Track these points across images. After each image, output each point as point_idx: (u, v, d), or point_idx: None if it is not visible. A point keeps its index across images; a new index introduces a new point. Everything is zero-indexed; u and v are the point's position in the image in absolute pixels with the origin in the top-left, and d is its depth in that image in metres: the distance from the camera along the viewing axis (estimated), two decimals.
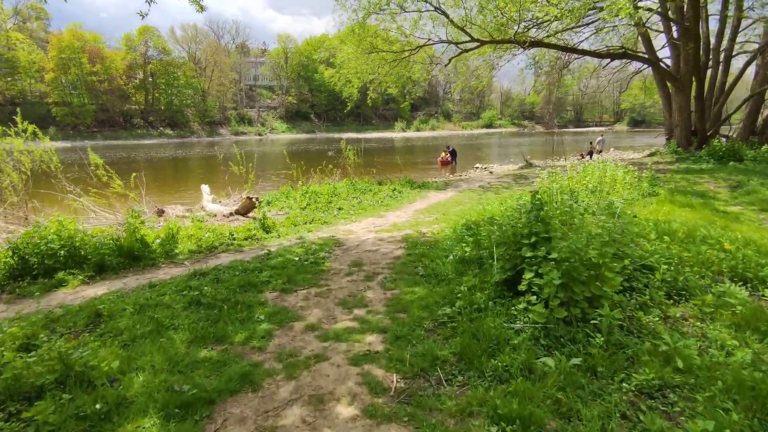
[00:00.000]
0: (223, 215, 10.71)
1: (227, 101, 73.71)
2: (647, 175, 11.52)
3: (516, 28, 17.86)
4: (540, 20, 16.24)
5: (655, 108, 79.76)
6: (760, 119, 18.81)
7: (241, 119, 74.21)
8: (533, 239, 4.26)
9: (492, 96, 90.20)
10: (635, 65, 24.49)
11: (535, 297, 3.79)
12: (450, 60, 19.11)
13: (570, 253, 3.82)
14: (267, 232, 8.69)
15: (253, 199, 10.38)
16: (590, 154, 26.84)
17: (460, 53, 18.50)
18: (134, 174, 10.66)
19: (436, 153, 33.83)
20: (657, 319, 3.79)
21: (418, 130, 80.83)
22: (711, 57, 18.48)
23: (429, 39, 17.40)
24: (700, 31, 17.99)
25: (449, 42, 17.39)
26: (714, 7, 18.97)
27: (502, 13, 14.50)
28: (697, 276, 4.56)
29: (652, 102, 28.32)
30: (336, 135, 72.68)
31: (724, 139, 19.25)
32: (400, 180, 16.21)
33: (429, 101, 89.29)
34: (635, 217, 6.29)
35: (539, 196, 4.68)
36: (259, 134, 72.50)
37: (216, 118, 71.45)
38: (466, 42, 17.08)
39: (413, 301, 4.69)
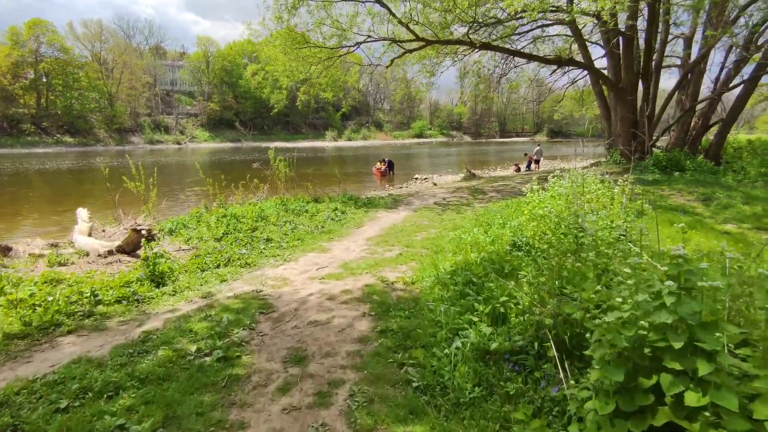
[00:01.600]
0: (99, 254, 7.50)
1: (140, 107, 66.30)
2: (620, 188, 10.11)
3: (464, 28, 16.26)
4: (490, 18, 14.68)
5: (571, 120, 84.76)
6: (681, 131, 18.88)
7: (156, 126, 67.11)
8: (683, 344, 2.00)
9: (421, 106, 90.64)
10: (569, 76, 24.19)
11: None
12: (392, 61, 17.04)
13: None
14: (157, 285, 5.79)
15: (142, 231, 7.31)
16: (528, 164, 26.22)
17: (403, 53, 16.49)
18: None
19: (371, 163, 31.75)
20: None
21: (349, 139, 78.64)
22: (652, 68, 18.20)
23: (369, 36, 15.17)
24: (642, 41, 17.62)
25: (391, 40, 15.30)
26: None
27: (454, 5, 12.62)
28: None
29: (581, 113, 28.30)
30: (264, 144, 68.24)
31: (656, 150, 19.08)
32: (340, 196, 13.72)
33: (360, 110, 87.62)
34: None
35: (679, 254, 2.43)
36: (178, 143, 65.99)
37: (127, 124, 63.85)
38: (411, 41, 15.09)
39: None
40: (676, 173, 15.83)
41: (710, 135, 19.83)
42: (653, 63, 18.29)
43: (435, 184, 20.63)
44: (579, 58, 21.86)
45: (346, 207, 11.65)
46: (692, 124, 18.72)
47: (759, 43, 16.26)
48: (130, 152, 54.95)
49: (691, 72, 17.41)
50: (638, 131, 17.74)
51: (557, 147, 54.90)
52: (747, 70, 16.99)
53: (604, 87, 20.17)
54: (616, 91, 17.70)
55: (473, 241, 6.57)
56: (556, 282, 3.77)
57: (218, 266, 6.69)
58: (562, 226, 5.85)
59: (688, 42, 20.29)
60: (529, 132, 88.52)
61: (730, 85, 16.56)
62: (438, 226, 9.01)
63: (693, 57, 18.97)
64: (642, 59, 16.70)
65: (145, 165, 11.61)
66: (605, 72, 20.46)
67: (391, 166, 27.65)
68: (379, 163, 28.73)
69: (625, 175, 14.16)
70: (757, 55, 15.89)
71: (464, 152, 54.30)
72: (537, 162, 26.53)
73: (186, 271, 6.49)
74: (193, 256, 7.21)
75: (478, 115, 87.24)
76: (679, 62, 21.05)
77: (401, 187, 22.67)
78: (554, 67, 24.93)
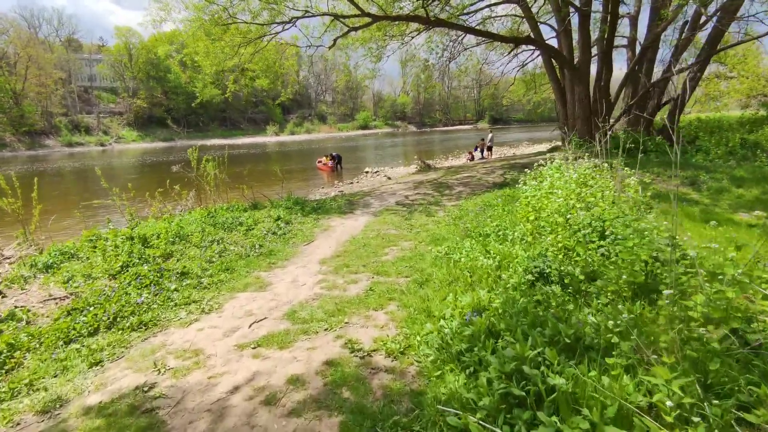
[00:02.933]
0: None
1: (53, 106, 58.67)
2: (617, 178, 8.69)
3: (411, 5, 14.37)
4: None
5: (511, 107, 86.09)
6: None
7: (75, 127, 59.83)
8: None
9: (365, 97, 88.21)
10: (519, 59, 23.07)
11: None
12: (335, 41, 14.78)
13: None
14: None
15: None
16: (481, 151, 25.01)
17: (347, 32, 14.30)
18: None
19: (317, 158, 29.30)
20: None
21: (292, 133, 74.83)
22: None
23: (306, 11, 12.80)
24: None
25: (333, 15, 13.04)
26: None
27: None
28: None
29: (528, 98, 27.50)
30: (200, 142, 62.77)
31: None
32: (283, 199, 11.43)
33: (302, 103, 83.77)
34: None
35: None
36: (102, 144, 59.31)
37: (38, 126, 56.30)
38: (355, 16, 12.91)
39: None
40: (641, 156, 14.99)
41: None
42: (605, 42, 17.38)
43: (389, 178, 18.72)
44: None
45: (292, 214, 9.40)
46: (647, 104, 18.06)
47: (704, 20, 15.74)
48: (43, 158, 48.36)
49: (644, 51, 16.62)
50: (596, 112, 16.78)
51: (502, 133, 54.87)
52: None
53: (557, 68, 19.13)
54: (572, 71, 16.57)
55: (471, 265, 4.68)
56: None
57: (95, 331, 4.32)
58: (602, 240, 4.12)
59: (633, 21, 19.73)
60: (471, 120, 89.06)
61: (684, 64, 15.89)
62: (410, 237, 7.06)
63: (640, 37, 18.38)
64: (606, 34, 15.59)
65: (47, 173, 8.73)
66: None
67: (339, 160, 25.45)
68: (324, 158, 26.36)
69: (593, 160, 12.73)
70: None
71: (410, 142, 52.91)
72: (489, 149, 25.36)
73: (40, 344, 4.09)
74: (63, 312, 4.77)
75: (421, 104, 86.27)
76: (625, 42, 20.51)
77: (352, 183, 20.58)
78: (504, 50, 23.78)
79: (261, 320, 4.35)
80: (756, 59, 31.07)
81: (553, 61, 19.12)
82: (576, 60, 17.18)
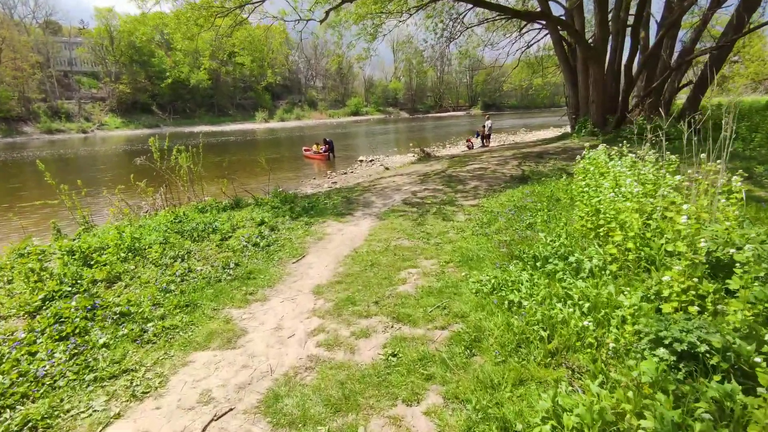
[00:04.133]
0: None
1: (31, 91, 55.30)
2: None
3: None
4: None
5: (504, 93, 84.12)
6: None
7: (54, 113, 56.64)
8: None
9: (356, 83, 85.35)
10: (525, 39, 21.23)
11: None
12: (327, 13, 12.87)
13: None
14: None
15: None
16: (482, 138, 23.31)
17: (340, 2, 12.39)
18: None
19: (307, 144, 27.36)
20: None
21: (282, 119, 72.12)
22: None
23: None
24: None
25: None
26: None
27: None
28: None
29: (528, 83, 25.75)
30: (186, 129, 60.40)
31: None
32: (270, 195, 9.70)
33: (291, 89, 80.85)
34: None
35: None
36: (84, 131, 56.30)
37: (15, 112, 53.12)
38: None
39: None
40: (665, 144, 13.46)
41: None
42: (620, 20, 15.66)
43: (386, 168, 17.00)
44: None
45: (278, 216, 7.68)
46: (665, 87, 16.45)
47: None
48: (21, 145, 45.50)
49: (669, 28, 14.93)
50: (614, 96, 15.17)
51: (495, 120, 53.02)
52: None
53: (567, 50, 17.41)
54: (587, 50, 14.88)
55: (544, 317, 3.04)
56: None
57: None
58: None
59: None
60: (464, 106, 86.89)
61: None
62: (430, 251, 5.40)
63: (654, 15, 16.69)
64: (638, 3, 13.84)
65: (20, 161, 6.81)
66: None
67: (331, 147, 23.51)
68: (315, 146, 24.40)
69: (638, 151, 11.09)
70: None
71: (403, 129, 50.94)
72: (488, 137, 23.66)
73: None
74: None
75: (413, 90, 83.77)
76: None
77: (346, 173, 18.81)
78: (507, 30, 21.93)
79: (223, 415, 2.69)
80: (761, 42, 29.63)
81: (564, 41, 17.41)
82: (591, 38, 15.49)
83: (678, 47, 16.48)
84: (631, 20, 17.49)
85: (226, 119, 69.09)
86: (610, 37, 15.58)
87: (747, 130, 13.17)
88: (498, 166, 11.45)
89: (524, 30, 19.77)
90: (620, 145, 9.38)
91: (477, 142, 23.75)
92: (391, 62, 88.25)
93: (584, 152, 7.95)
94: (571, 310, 3.03)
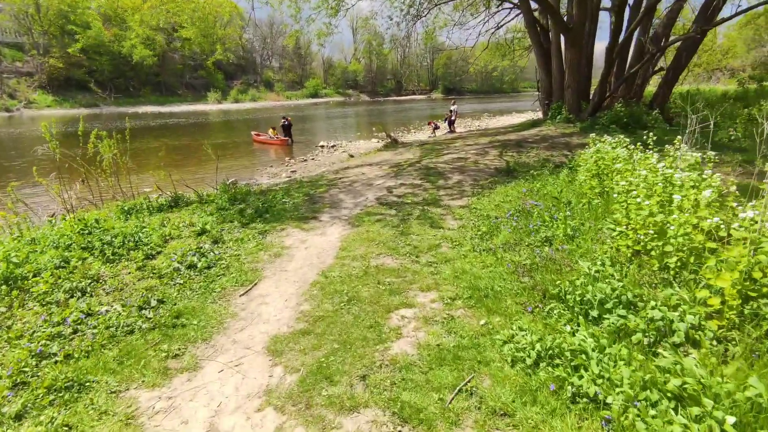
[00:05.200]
0: None
1: None
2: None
3: None
4: None
5: (465, 77, 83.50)
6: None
7: None
8: None
9: (314, 64, 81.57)
10: (495, 20, 20.09)
11: None
12: None
13: None
14: None
15: None
16: (450, 123, 22.18)
17: None
18: None
19: (264, 128, 25.16)
20: None
21: (236, 101, 67.77)
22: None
23: None
24: None
25: None
26: None
27: None
28: None
29: (494, 66, 24.76)
30: (130, 109, 55.43)
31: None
32: (218, 191, 8.05)
33: (246, 69, 76.10)
34: None
35: None
36: (8, 110, 50.03)
37: None
38: None
39: None
40: (641, 133, 12.83)
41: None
42: (593, 2, 14.79)
43: (351, 156, 15.48)
44: None
45: (225, 222, 6.10)
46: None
47: None
48: None
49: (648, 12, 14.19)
50: (602, 81, 14.33)
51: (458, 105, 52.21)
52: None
53: (541, 31, 16.42)
54: (565, 32, 13.91)
55: None
56: None
57: None
58: None
59: None
60: (425, 90, 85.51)
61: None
62: (423, 276, 4.08)
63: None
64: None
65: None
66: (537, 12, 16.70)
67: (288, 129, 21.40)
68: (271, 130, 22.22)
69: (592, 137, 10.33)
70: None
71: (364, 112, 49.08)
72: (454, 122, 22.57)
73: None
74: None
75: (374, 72, 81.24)
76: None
77: (306, 161, 17.11)
78: (475, 10, 20.70)
79: None
80: (712, 32, 30.23)
81: (537, 23, 16.39)
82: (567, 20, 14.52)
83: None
84: (606, 4, 16.74)
85: (175, 99, 64.04)
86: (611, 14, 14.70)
87: (720, 119, 12.80)
88: (477, 156, 10.28)
89: (495, 10, 18.61)
90: (600, 132, 8.27)
91: (444, 126, 22.64)
92: (350, 43, 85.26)
93: (588, 143, 6.89)
94: (698, 426, 1.81)
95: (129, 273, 4.55)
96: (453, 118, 22.19)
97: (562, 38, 15.13)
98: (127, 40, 58.40)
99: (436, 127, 21.74)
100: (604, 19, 25.25)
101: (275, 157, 18.65)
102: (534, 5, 16.45)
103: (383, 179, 8.59)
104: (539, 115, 19.76)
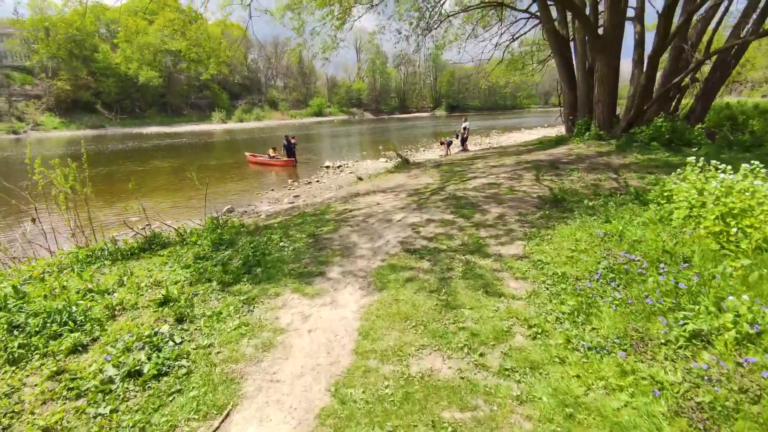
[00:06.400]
0: None
1: None
2: None
3: None
4: None
5: (468, 94, 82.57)
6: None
7: None
8: None
9: (318, 83, 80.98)
10: (510, 32, 18.70)
11: None
12: None
13: None
14: None
15: None
16: (462, 141, 20.62)
17: None
18: None
19: (264, 148, 23.68)
20: None
21: (241, 120, 66.96)
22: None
23: None
24: None
25: None
26: None
27: None
28: None
29: (506, 81, 23.26)
30: (135, 130, 54.61)
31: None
32: (204, 227, 6.48)
33: (251, 88, 75.57)
34: None
35: None
36: (15, 132, 49.28)
37: None
38: None
39: None
40: (689, 151, 11.16)
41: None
42: (620, 8, 13.27)
43: (360, 179, 13.85)
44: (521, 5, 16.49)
45: (201, 282, 4.43)
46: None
47: None
48: None
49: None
50: (638, 94, 12.70)
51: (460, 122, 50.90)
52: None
53: (564, 39, 14.93)
54: (596, 39, 12.39)
55: None
56: None
57: None
58: None
59: None
60: (428, 107, 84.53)
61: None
62: (506, 414, 2.38)
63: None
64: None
65: None
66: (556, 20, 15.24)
67: (290, 149, 19.89)
68: (271, 150, 20.67)
69: (633, 156, 8.71)
70: None
71: (368, 130, 47.83)
72: (466, 139, 21.01)
73: None
74: None
75: (377, 91, 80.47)
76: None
77: (310, 183, 15.53)
78: (491, 20, 19.34)
79: None
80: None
81: (557, 33, 14.90)
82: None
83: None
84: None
85: (181, 120, 63.30)
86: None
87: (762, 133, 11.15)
88: (511, 182, 8.62)
89: (508, 23, 17.21)
90: (640, 150, 6.68)
91: (457, 143, 21.11)
92: (354, 62, 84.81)
93: (683, 170, 5.20)
94: None
95: (35, 386, 2.87)
96: (465, 135, 20.65)
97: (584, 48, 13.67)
98: (133, 62, 57.85)
99: (449, 144, 20.18)
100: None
101: (276, 179, 17.09)
102: (554, 14, 15.05)
103: (404, 212, 6.92)
104: (552, 130, 18.19)
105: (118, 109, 60.26)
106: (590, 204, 6.48)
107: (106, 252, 5.79)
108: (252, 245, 5.53)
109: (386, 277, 4.35)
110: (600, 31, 13.17)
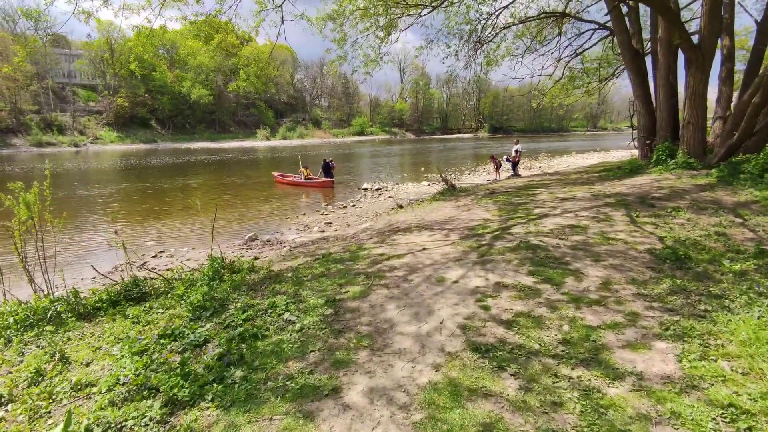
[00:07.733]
0: None
1: (24, 102, 51.11)
2: None
3: None
4: None
5: (512, 116, 79.80)
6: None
7: (47, 126, 52.23)
8: None
9: (361, 103, 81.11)
10: (572, 47, 16.59)
11: None
12: None
13: None
14: None
15: None
16: (513, 165, 18.45)
17: None
18: None
19: (308, 165, 22.56)
20: None
21: (284, 138, 67.68)
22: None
23: None
24: None
25: None
26: None
27: None
28: None
29: (559, 102, 20.84)
30: (185, 145, 56.08)
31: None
32: (206, 270, 4.87)
33: (296, 107, 76.73)
34: None
35: None
36: (76, 145, 51.85)
37: (5, 123, 48.79)
38: None
39: None
40: None
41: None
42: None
43: (400, 207, 12.07)
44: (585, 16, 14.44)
45: (138, 400, 2.72)
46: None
47: None
48: (7, 158, 40.90)
49: None
50: (736, 114, 10.32)
51: (504, 143, 48.44)
52: None
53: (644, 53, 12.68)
54: (691, 51, 10.11)
55: None
56: None
57: None
58: None
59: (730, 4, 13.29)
60: (469, 128, 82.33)
61: None
62: None
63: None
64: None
65: None
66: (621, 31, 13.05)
67: (328, 170, 18.55)
68: (304, 170, 19.26)
69: (747, 193, 6.22)
70: None
71: (410, 151, 46.32)
72: (517, 163, 18.78)
73: None
74: None
75: (419, 111, 79.40)
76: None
77: (345, 207, 13.93)
78: (552, 31, 17.35)
79: None
80: None
81: (630, 46, 12.68)
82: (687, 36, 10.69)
83: None
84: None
85: (227, 136, 64.74)
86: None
87: None
88: (599, 224, 6.51)
89: (574, 34, 15.14)
90: (749, 183, 4.67)
91: (507, 167, 18.98)
92: (397, 83, 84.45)
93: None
94: None
95: None
96: (518, 159, 18.47)
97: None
98: (187, 81, 59.99)
99: (499, 166, 18.09)
100: None
101: (310, 201, 15.64)
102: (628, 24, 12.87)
103: (460, 268, 5.01)
104: (608, 155, 15.66)
105: (170, 125, 62.53)
106: (735, 267, 4.33)
107: (64, 307, 4.30)
108: (245, 315, 3.82)
109: (445, 412, 2.45)
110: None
